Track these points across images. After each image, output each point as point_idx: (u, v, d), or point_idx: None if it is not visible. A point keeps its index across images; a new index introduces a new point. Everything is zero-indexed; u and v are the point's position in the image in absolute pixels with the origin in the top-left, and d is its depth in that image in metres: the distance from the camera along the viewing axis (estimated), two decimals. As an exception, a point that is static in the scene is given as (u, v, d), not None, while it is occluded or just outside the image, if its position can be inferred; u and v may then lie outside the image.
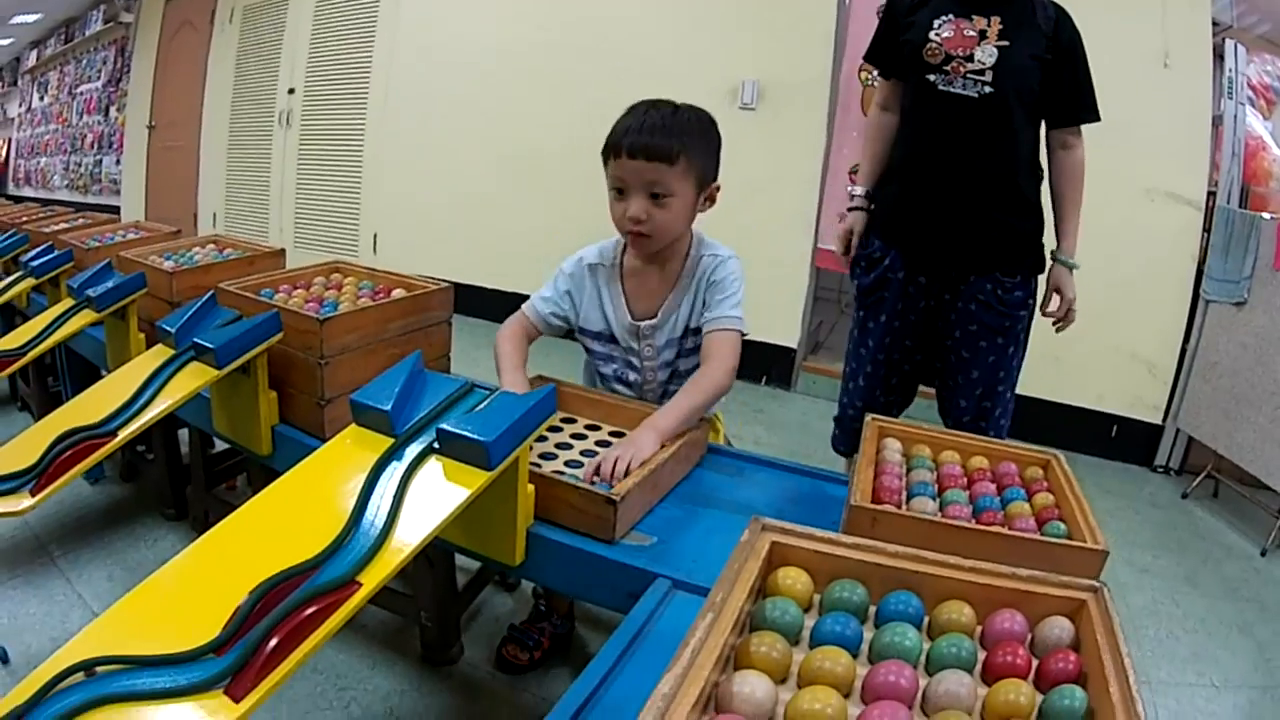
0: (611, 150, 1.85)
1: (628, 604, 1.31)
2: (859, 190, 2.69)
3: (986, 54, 2.30)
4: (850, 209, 2.72)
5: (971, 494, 1.47)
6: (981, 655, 0.96)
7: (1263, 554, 3.29)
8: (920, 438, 1.66)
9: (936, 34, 2.36)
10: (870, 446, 1.55)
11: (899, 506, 1.38)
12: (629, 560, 1.41)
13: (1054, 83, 2.34)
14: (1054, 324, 2.52)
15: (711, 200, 1.94)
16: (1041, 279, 2.51)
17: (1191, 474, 3.93)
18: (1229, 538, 3.45)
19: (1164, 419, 4.11)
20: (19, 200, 7.34)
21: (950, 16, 2.36)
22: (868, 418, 1.66)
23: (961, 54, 2.32)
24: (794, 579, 1.04)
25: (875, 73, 2.68)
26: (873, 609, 1.04)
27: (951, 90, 2.35)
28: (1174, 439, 4.09)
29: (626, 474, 1.55)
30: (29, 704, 1.00)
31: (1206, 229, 3.95)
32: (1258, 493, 3.58)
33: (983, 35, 2.32)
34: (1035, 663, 0.95)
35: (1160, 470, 4.12)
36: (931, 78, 2.38)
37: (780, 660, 0.91)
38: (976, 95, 2.32)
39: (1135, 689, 0.82)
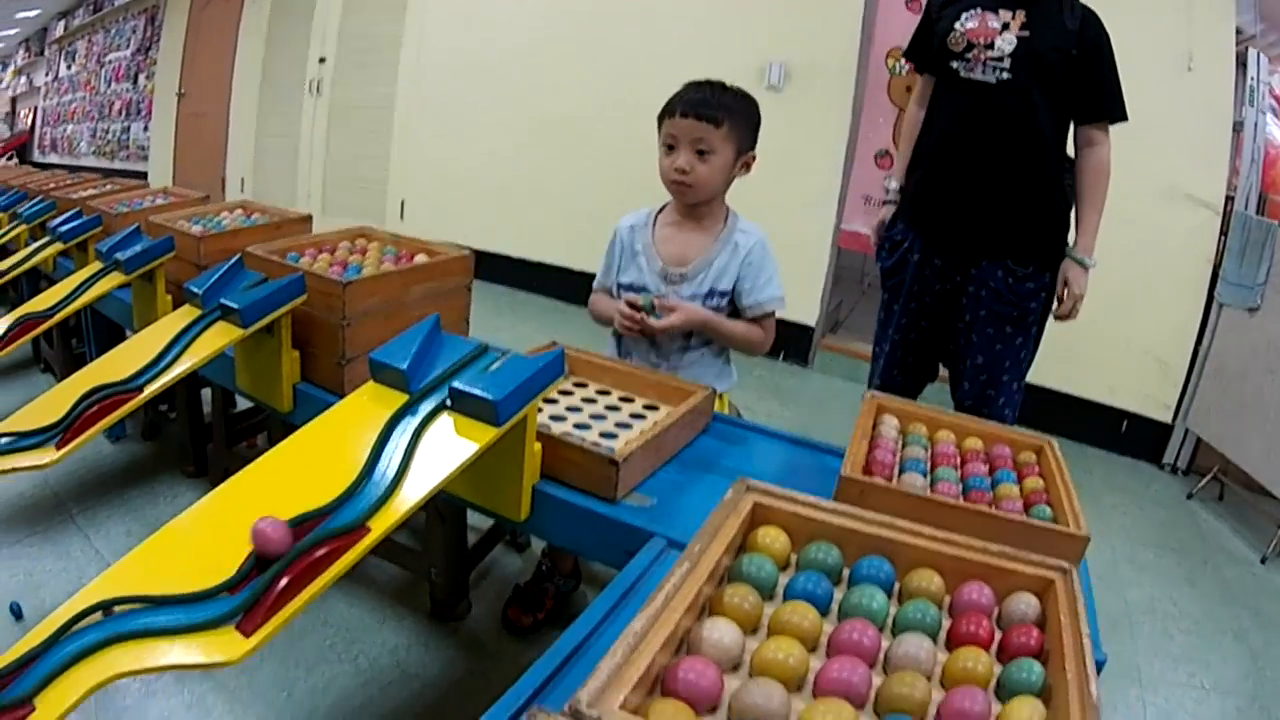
0: (666, 112, 2.11)
1: (626, 561, 1.36)
2: (893, 185, 2.80)
3: (1006, 42, 2.37)
4: (884, 202, 2.83)
5: (963, 473, 1.50)
6: (947, 623, 1.01)
7: (1263, 561, 3.30)
8: (918, 416, 1.70)
9: (962, 25, 2.45)
10: (866, 421, 1.59)
11: (889, 480, 1.41)
12: (628, 519, 1.46)
13: (1078, 78, 2.38)
14: (1054, 316, 2.56)
15: (747, 168, 2.17)
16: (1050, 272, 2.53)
17: (1198, 474, 3.95)
18: (1231, 542, 3.46)
19: (1174, 418, 4.12)
20: (45, 167, 7.42)
21: (978, 10, 2.44)
22: (867, 394, 1.71)
23: (983, 42, 2.40)
24: (773, 538, 1.10)
25: (909, 66, 2.75)
26: (846, 572, 1.09)
27: (972, 77, 2.44)
28: (1183, 439, 4.09)
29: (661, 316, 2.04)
30: (48, 641, 1.04)
31: (1223, 232, 3.95)
32: (1262, 499, 3.59)
33: (1005, 26, 2.38)
34: (999, 634, 0.99)
35: (1168, 469, 4.13)
36: (954, 65, 2.47)
37: (751, 611, 0.97)
38: (995, 81, 2.41)
39: (1091, 669, 0.85)
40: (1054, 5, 2.39)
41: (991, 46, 2.40)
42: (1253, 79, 3.92)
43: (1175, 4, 3.88)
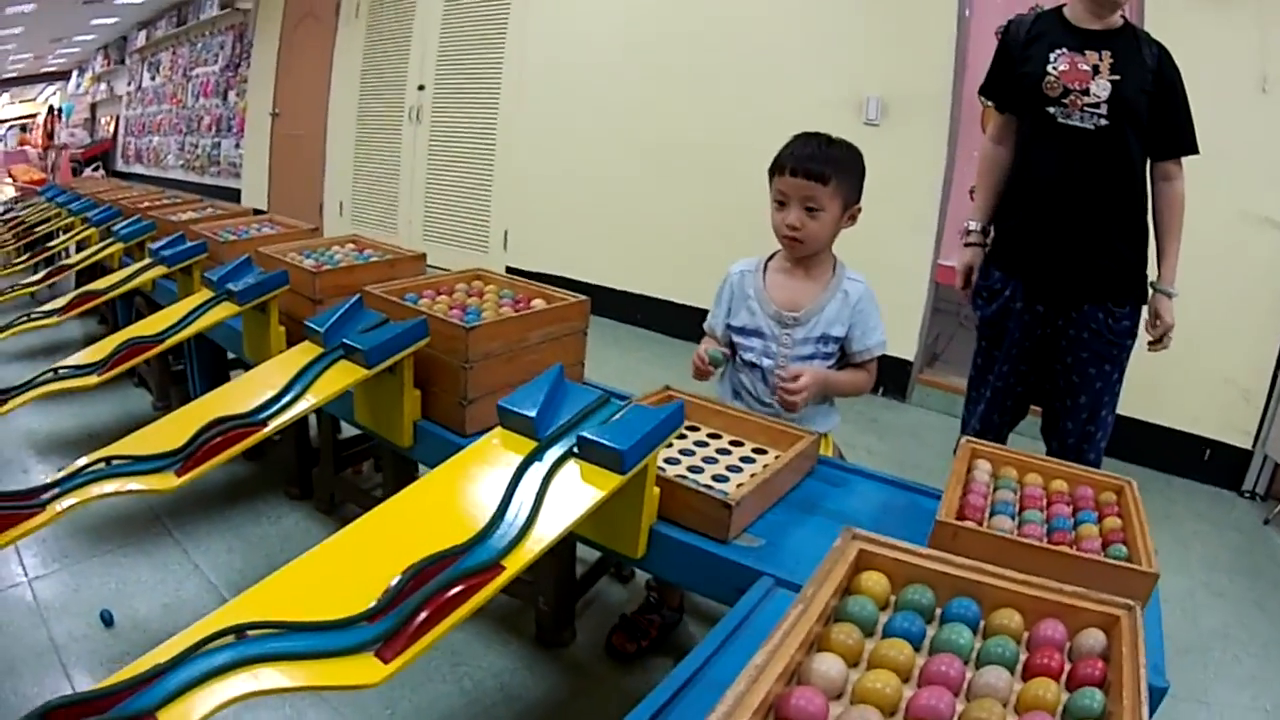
0: (777, 169, 2.21)
1: (735, 598, 1.45)
2: (975, 225, 2.80)
3: (1101, 88, 2.40)
4: (966, 244, 2.83)
5: (1048, 514, 1.59)
6: (1024, 656, 1.10)
7: (1330, 583, 3.29)
8: (1009, 460, 1.77)
9: (1053, 68, 2.45)
10: (961, 466, 1.67)
11: (980, 523, 1.50)
12: (739, 559, 1.55)
13: (1158, 116, 2.43)
14: (1149, 347, 2.60)
15: (853, 220, 2.26)
16: (1143, 307, 2.59)
17: (1276, 499, 3.94)
18: (1302, 565, 3.46)
19: (1254, 444, 4.09)
20: (129, 177, 7.57)
21: (1064, 50, 2.45)
22: (962, 440, 1.79)
23: (1079, 88, 2.42)
24: (874, 581, 1.19)
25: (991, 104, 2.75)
26: (939, 611, 1.18)
27: (1070, 123, 2.45)
28: (1261, 465, 4.06)
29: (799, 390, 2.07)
30: (176, 659, 1.11)
31: (1302, 254, 3.93)
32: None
33: (1096, 70, 2.40)
34: (1070, 666, 1.08)
35: (1247, 495, 4.10)
36: (1050, 110, 2.47)
37: (855, 647, 1.06)
38: (1093, 127, 2.42)
39: (1144, 697, 0.94)
40: (1133, 42, 2.43)
41: (1087, 92, 2.42)
42: (1329, 96, 3.90)
43: (1248, 26, 3.84)
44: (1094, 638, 1.09)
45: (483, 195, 6.88)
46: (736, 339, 2.32)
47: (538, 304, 2.30)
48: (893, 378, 4.98)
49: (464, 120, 6.97)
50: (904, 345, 4.92)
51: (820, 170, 2.13)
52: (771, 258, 2.36)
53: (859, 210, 2.26)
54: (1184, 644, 2.73)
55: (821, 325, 2.24)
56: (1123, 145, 2.43)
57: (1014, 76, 2.58)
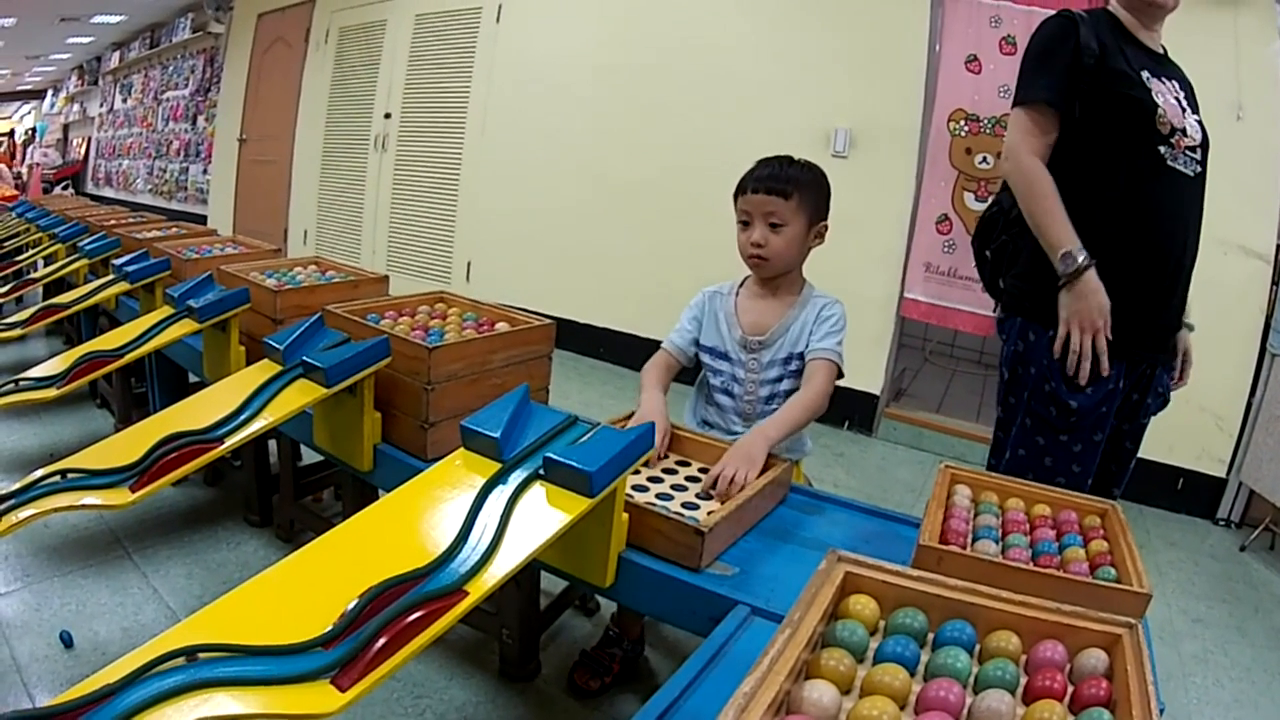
0: (739, 190, 2.21)
1: (708, 627, 1.40)
2: (1081, 254, 2.03)
3: (1194, 129, 2.11)
4: (1078, 270, 2.03)
5: (1032, 539, 1.55)
6: (1024, 679, 1.06)
7: (1310, 606, 3.29)
8: (989, 485, 1.73)
9: (1159, 97, 2.05)
10: (941, 491, 1.63)
11: (964, 548, 1.46)
12: (712, 587, 1.49)
13: None
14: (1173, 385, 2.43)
15: (820, 237, 2.25)
16: None
17: (1251, 527, 3.93)
18: (1281, 589, 3.47)
19: (1228, 472, 4.10)
20: (96, 200, 7.52)
21: (1150, 75, 2.09)
22: (940, 464, 1.74)
23: (1179, 125, 2.07)
24: (863, 605, 1.15)
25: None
26: (931, 635, 1.14)
27: (1176, 166, 2.07)
28: (1236, 492, 4.07)
29: (743, 486, 1.77)
30: (125, 680, 1.06)
31: (1275, 282, 3.94)
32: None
33: (1181, 105, 2.10)
34: (1072, 688, 1.04)
35: (1222, 523, 4.11)
36: (1162, 150, 2.06)
37: (846, 673, 1.02)
38: (1192, 174, 2.11)
39: (1155, 714, 0.91)
40: (1180, 72, 2.23)
41: (1185, 132, 2.07)
42: (1301, 125, 3.90)
43: (1223, 54, 3.89)
44: (1095, 657, 1.07)
45: (446, 225, 6.84)
46: (705, 359, 2.31)
47: (501, 327, 2.27)
48: (859, 412, 4.97)
49: (429, 150, 6.94)
50: (870, 379, 4.92)
51: (781, 186, 2.13)
52: (744, 283, 2.35)
53: (826, 228, 2.25)
54: (1165, 670, 2.72)
55: (788, 345, 2.21)
56: (1204, 192, 2.17)
57: (1111, 96, 2.07)
